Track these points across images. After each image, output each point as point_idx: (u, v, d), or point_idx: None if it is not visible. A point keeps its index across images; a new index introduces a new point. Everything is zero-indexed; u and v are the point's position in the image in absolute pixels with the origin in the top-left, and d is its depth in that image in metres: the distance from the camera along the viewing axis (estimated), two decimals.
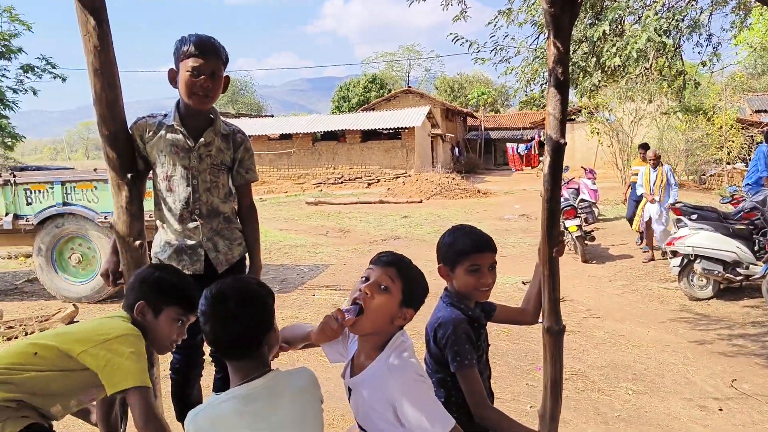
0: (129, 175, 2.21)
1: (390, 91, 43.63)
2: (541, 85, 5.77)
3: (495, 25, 5.51)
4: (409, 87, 41.64)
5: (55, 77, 27.89)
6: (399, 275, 1.80)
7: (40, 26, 27.45)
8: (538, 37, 5.75)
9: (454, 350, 2.00)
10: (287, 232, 13.75)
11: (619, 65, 5.09)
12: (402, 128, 25.51)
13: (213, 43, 2.56)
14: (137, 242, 2.27)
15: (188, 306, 2.07)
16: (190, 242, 2.73)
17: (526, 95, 6.39)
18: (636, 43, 4.63)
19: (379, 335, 1.81)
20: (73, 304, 7.10)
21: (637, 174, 10.04)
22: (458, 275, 2.13)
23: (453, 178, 22.57)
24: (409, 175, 24.16)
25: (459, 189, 21.08)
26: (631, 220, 10.23)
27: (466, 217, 15.48)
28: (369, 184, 25.61)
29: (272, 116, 38.05)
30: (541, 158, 31.69)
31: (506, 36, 5.73)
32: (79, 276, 7.77)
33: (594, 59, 5.38)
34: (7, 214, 7.51)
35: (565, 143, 2.10)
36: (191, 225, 2.70)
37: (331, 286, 8.21)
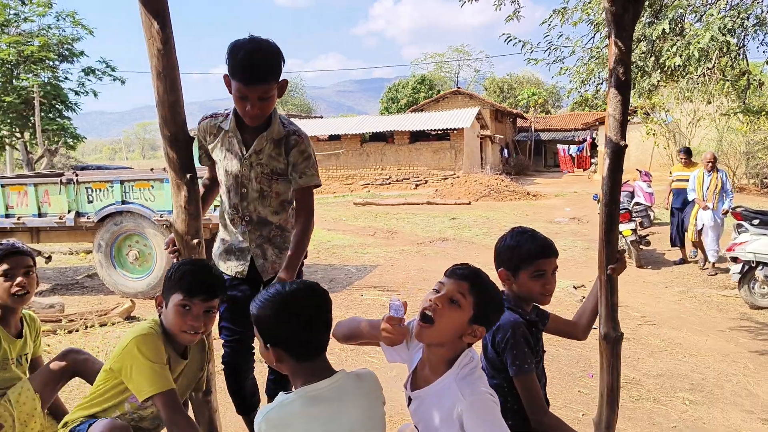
0: (188, 176, 2.26)
1: (439, 92, 43.51)
2: (596, 86, 5.63)
3: (549, 25, 5.41)
4: (458, 88, 41.41)
5: (114, 79, 28.94)
6: (472, 291, 1.74)
7: (99, 30, 28.46)
8: (593, 36, 5.62)
9: (513, 354, 1.97)
10: (335, 232, 13.86)
11: (679, 65, 4.92)
12: (451, 129, 25.38)
13: (261, 68, 2.36)
14: (195, 240, 2.32)
15: (188, 291, 2.10)
16: (240, 245, 2.72)
17: (581, 96, 6.26)
18: (698, 42, 4.46)
19: (446, 349, 1.76)
20: (131, 300, 7.34)
21: (679, 180, 9.36)
22: (521, 280, 2.10)
23: (502, 180, 22.31)
24: (458, 177, 24.02)
25: (508, 191, 20.83)
26: (674, 240, 9.49)
27: (515, 219, 15.28)
28: (417, 185, 25.58)
29: (321, 117, 38.46)
30: (593, 160, 31.14)
31: (560, 35, 5.63)
32: (136, 272, 8.03)
33: (652, 59, 5.22)
34: (69, 212, 7.82)
35: (626, 145, 2.04)
36: (240, 229, 2.70)
37: (379, 286, 8.22)
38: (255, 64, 2.34)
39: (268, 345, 1.68)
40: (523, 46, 5.43)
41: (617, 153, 2.04)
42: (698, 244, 8.89)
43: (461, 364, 1.73)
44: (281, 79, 2.49)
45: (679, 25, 5.20)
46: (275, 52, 2.43)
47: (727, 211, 8.37)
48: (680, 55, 4.79)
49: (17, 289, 2.57)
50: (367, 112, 62.38)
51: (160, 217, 7.59)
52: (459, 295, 1.72)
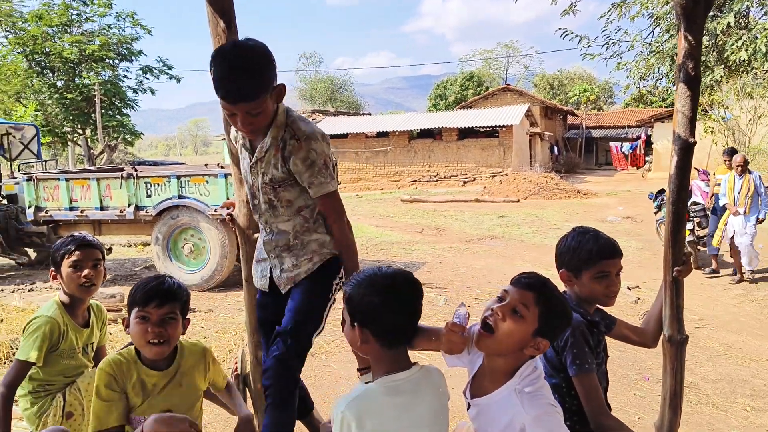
0: None
1: (487, 88, 43.08)
2: (656, 81, 5.49)
3: (608, 19, 5.29)
4: (507, 84, 40.91)
5: (170, 78, 29.80)
6: (538, 302, 1.66)
7: (155, 29, 29.35)
8: (653, 31, 5.47)
9: (573, 353, 1.94)
10: (383, 228, 13.91)
11: (744, 60, 4.74)
12: (499, 126, 25.09)
13: (243, 86, 2.07)
14: (255, 235, 2.37)
15: (142, 301, 2.08)
16: (260, 255, 2.56)
17: (639, 91, 6.10)
18: (766, 36, 4.29)
19: (507, 360, 1.70)
20: None
21: (720, 184, 8.84)
22: (584, 281, 2.06)
23: (552, 178, 21.94)
24: (506, 174, 23.75)
25: (558, 189, 20.47)
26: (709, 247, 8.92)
27: (565, 218, 15.01)
28: (464, 183, 25.41)
29: (369, 114, 38.62)
30: (647, 158, 30.26)
31: (618, 29, 5.50)
32: (191, 265, 8.25)
33: (715, 53, 5.05)
34: (129, 205, 8.10)
35: (695, 142, 1.98)
36: (261, 240, 2.54)
37: (427, 284, 8.21)
38: (236, 81, 2.05)
39: (356, 324, 1.66)
40: (580, 41, 5.33)
41: (686, 150, 1.98)
42: (731, 253, 8.42)
43: (522, 375, 1.68)
44: (275, 85, 2.18)
45: (744, 19, 5.01)
46: (260, 62, 2.10)
47: (762, 220, 7.97)
48: (746, 50, 4.61)
49: (84, 280, 2.61)
50: (415, 109, 62.26)
51: (214, 211, 7.78)
52: (522, 306, 1.66)
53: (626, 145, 32.92)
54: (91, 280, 2.63)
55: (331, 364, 5.32)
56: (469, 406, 1.83)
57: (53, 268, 2.67)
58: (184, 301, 2.17)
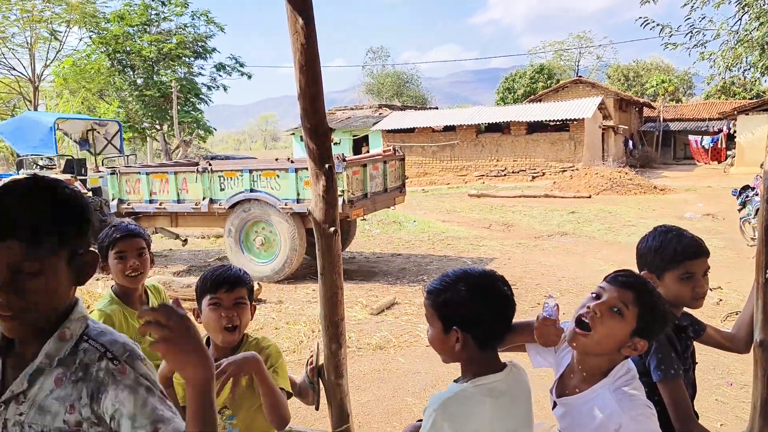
0: (326, 166, 2.33)
1: (558, 81, 41.99)
2: (743, 71, 5.19)
3: (692, 7, 5.04)
4: (579, 77, 39.69)
5: (242, 74, 30.68)
6: (637, 302, 1.60)
7: (228, 26, 30.25)
8: (740, 18, 5.17)
9: (658, 358, 1.86)
10: (449, 224, 13.83)
11: None
12: (570, 120, 24.40)
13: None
14: (331, 229, 2.40)
15: (212, 288, 2.08)
16: None
17: (724, 82, 5.78)
18: None
19: (602, 360, 1.65)
20: (258, 282, 7.75)
21: None
22: (668, 283, 1.96)
23: (626, 173, 21.16)
24: (577, 169, 23.09)
25: (632, 184, 19.72)
26: None
27: (639, 214, 14.46)
28: (533, 178, 24.90)
29: (436, 108, 38.43)
30: (729, 152, 28.71)
31: (702, 18, 5.23)
32: (262, 257, 8.47)
33: None
34: (204, 198, 8.39)
35: None
36: None
37: None
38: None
39: (455, 328, 1.60)
40: (661, 30, 5.11)
41: None
42: None
43: (616, 375, 1.63)
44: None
45: None
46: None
47: None
48: None
49: (130, 271, 2.58)
50: (483, 103, 61.45)
51: (285, 205, 7.95)
52: (622, 305, 1.59)
53: (707, 139, 31.32)
54: (138, 270, 2.59)
55: (399, 359, 5.34)
56: (554, 405, 1.79)
57: (100, 260, 2.60)
58: (251, 287, 2.18)
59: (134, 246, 2.61)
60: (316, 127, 2.33)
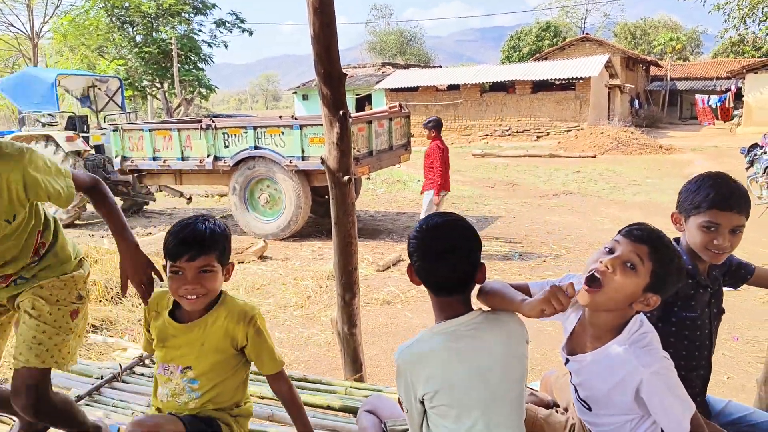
0: (341, 112, 2.27)
1: (564, 39, 41.25)
2: (759, 22, 5.02)
3: None
4: (586, 34, 39.02)
5: (243, 31, 30.16)
6: (652, 256, 1.56)
7: None
8: None
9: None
10: (454, 183, 13.67)
11: None
12: (576, 79, 24.02)
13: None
14: (345, 177, 2.36)
15: (173, 255, 1.82)
16: None
17: (739, 34, 5.62)
18: None
19: (614, 316, 1.62)
20: (263, 240, 7.76)
21: None
22: (690, 227, 1.89)
23: (631, 132, 20.95)
24: (582, 129, 22.85)
25: (638, 144, 19.54)
26: None
27: (645, 173, 14.37)
28: (538, 137, 24.67)
29: (440, 67, 37.86)
30: (735, 112, 28.30)
31: None
32: (267, 215, 8.45)
33: None
34: (208, 156, 8.32)
35: None
36: None
37: (501, 238, 8.11)
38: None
39: (409, 266, 1.69)
40: None
41: None
42: None
43: (631, 331, 1.60)
44: None
45: None
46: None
47: None
48: None
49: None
50: (487, 62, 60.48)
51: (290, 162, 7.89)
52: (637, 259, 1.55)
53: (714, 98, 30.87)
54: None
55: (406, 313, 5.37)
56: (566, 361, 1.77)
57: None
58: (222, 248, 1.85)
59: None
60: (330, 72, 2.26)
